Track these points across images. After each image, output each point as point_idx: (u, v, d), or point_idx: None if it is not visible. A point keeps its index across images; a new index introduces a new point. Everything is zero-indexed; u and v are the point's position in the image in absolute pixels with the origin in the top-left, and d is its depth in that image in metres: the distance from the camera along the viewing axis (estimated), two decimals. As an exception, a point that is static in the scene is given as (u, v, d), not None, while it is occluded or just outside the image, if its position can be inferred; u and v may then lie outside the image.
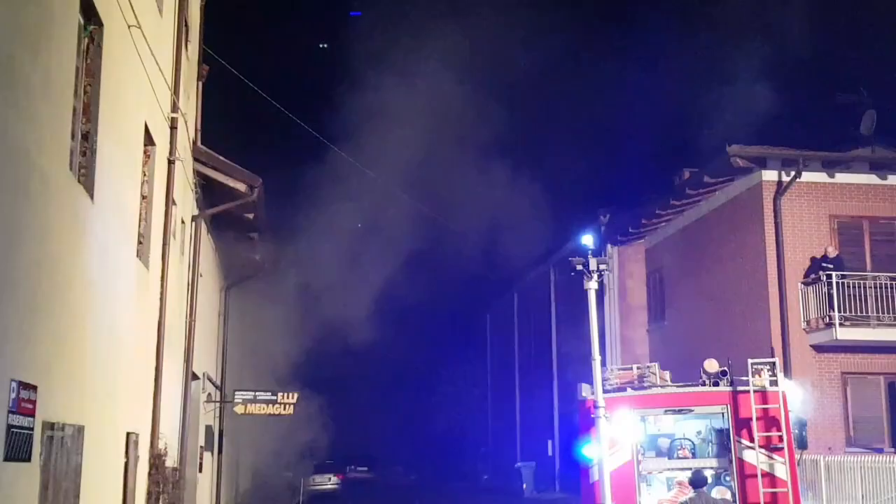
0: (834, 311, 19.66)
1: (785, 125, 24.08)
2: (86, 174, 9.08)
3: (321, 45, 41.06)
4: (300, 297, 29.26)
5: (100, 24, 9.37)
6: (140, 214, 12.16)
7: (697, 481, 11.73)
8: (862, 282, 20.09)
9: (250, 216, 18.53)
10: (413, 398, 59.28)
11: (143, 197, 12.43)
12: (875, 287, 20.11)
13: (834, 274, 19.85)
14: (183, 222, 15.83)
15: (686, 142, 31.73)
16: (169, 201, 13.55)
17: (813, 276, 20.39)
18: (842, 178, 21.44)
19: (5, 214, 6.80)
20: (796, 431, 12.79)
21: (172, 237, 13.93)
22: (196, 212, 16.99)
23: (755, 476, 12.17)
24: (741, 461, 12.35)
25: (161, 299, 13.26)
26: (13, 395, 6.78)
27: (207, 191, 17.25)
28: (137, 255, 11.90)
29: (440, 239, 31.75)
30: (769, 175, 21.15)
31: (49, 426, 7.64)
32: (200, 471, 18.81)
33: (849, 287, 19.87)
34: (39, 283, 7.60)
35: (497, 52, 28.41)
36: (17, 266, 7.09)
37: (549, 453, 34.53)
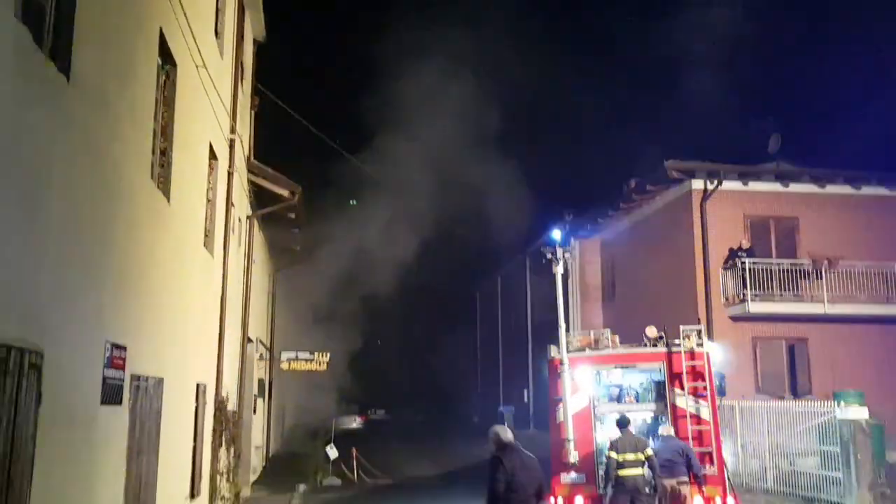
0: (746, 289, 19.71)
1: (710, 144, 24.13)
2: (164, 182, 9.07)
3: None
4: (332, 279, 29.33)
5: (174, 65, 9.35)
6: (206, 214, 12.14)
7: (621, 422, 11.62)
8: (768, 267, 20.13)
9: (292, 216, 18.52)
10: (420, 358, 59.40)
11: (209, 200, 12.42)
12: (779, 271, 20.16)
13: (747, 261, 19.91)
14: (240, 220, 15.81)
15: (633, 156, 31.80)
16: (229, 204, 13.53)
17: (730, 262, 20.43)
18: (754, 186, 21.45)
19: (101, 212, 6.81)
20: (717, 383, 12.77)
21: (232, 232, 13.91)
22: (250, 212, 16.96)
23: (685, 417, 12.16)
24: (674, 406, 12.34)
25: (223, 280, 13.26)
26: (108, 354, 6.80)
27: (258, 196, 17.23)
28: (204, 246, 11.89)
29: (440, 237, 31.86)
30: (697, 184, 21.15)
31: (136, 378, 7.65)
32: (255, 413, 18.85)
33: (758, 271, 19.93)
34: (128, 267, 7.61)
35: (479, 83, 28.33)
36: (111, 253, 7.10)
37: (525, 400, 34.57)
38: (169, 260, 9.34)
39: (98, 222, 6.71)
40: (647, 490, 11.03)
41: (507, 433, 8.06)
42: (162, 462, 8.54)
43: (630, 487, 10.93)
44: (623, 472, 11.01)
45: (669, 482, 11.04)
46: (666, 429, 11.86)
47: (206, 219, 12.06)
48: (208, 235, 12.21)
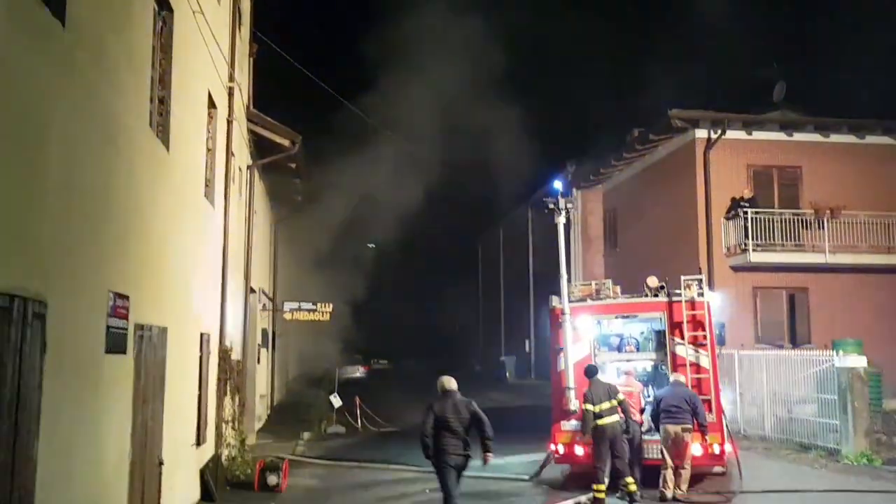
0: (748, 239, 19.72)
1: (714, 92, 23.86)
2: (162, 130, 8.98)
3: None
4: (334, 229, 29.29)
5: (170, 10, 9.18)
6: (206, 163, 12.05)
7: (589, 371, 11.68)
8: (770, 217, 20.10)
9: (293, 165, 18.41)
10: (422, 307, 59.72)
11: (208, 149, 12.31)
12: (781, 221, 20.14)
13: (749, 211, 19.86)
14: (240, 170, 15.71)
15: (636, 106, 31.48)
16: (228, 153, 13.43)
17: (733, 212, 20.38)
18: (757, 135, 21.32)
19: (101, 161, 6.76)
20: (717, 332, 12.86)
21: (232, 182, 13.83)
22: (250, 162, 16.86)
23: (685, 366, 12.27)
24: (674, 354, 12.44)
25: (224, 230, 13.22)
26: (111, 303, 6.82)
27: (259, 145, 17.10)
28: (205, 195, 11.83)
29: (442, 187, 31.66)
30: (700, 133, 21.00)
31: (139, 327, 7.69)
32: (259, 362, 19.02)
33: (760, 221, 19.91)
34: (129, 216, 7.58)
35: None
36: (112, 202, 7.07)
37: (526, 349, 34.87)
38: (170, 210, 9.30)
39: (97, 171, 6.66)
40: (623, 435, 11.21)
41: (449, 383, 9.66)
42: (167, 410, 8.62)
43: (609, 436, 11.09)
44: (602, 422, 11.14)
45: (673, 428, 11.18)
46: (676, 376, 11.94)
47: (205, 168, 11.97)
48: (208, 185, 12.14)
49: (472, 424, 9.30)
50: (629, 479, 10.99)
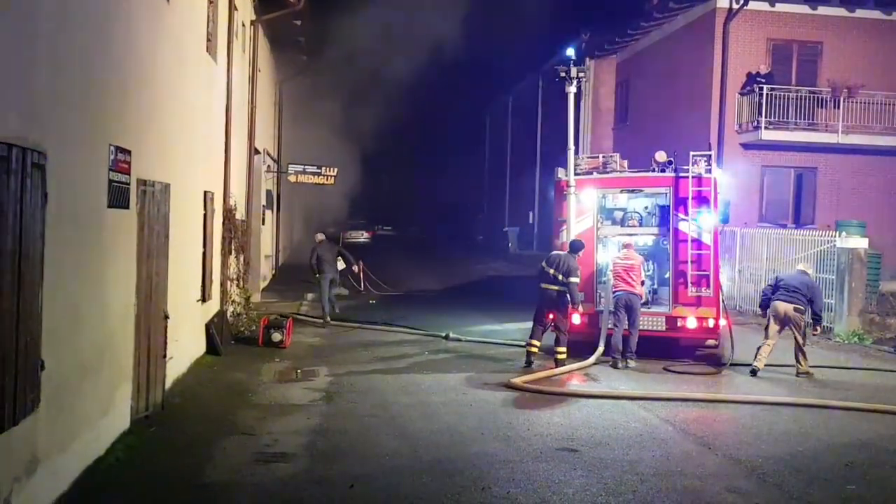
0: (762, 116, 19.33)
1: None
2: (162, -21, 8.61)
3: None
4: (340, 91, 28.75)
5: None
6: (208, 16, 11.63)
7: (574, 246, 11.81)
8: (786, 93, 19.62)
9: (298, 23, 17.84)
10: (427, 176, 59.59)
11: (210, 1, 11.85)
12: (796, 98, 19.68)
13: (765, 87, 19.37)
14: (243, 25, 15.22)
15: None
16: (231, 6, 12.96)
17: (748, 88, 19.89)
18: (780, 7, 20.46)
19: (98, 11, 6.51)
20: (722, 209, 12.82)
21: (235, 37, 13.43)
22: (254, 17, 16.31)
23: (686, 241, 12.30)
24: (677, 230, 12.44)
25: (227, 87, 12.95)
26: (112, 157, 6.75)
27: (263, 0, 16.50)
28: (207, 51, 11.51)
29: (451, 52, 30.73)
30: (722, 2, 20.19)
31: (142, 182, 7.65)
32: (263, 223, 19.13)
33: (775, 98, 19.46)
34: (129, 69, 7.38)
35: None
36: (109, 54, 6.86)
37: (530, 221, 34.99)
38: (170, 64, 9.06)
39: (93, 19, 6.42)
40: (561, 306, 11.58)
41: (319, 237, 16.62)
42: (172, 266, 8.72)
43: (546, 300, 11.53)
44: (544, 286, 11.52)
45: (784, 306, 11.30)
46: (805, 266, 12.32)
47: (207, 21, 11.57)
48: (210, 39, 11.77)
49: (340, 255, 16.83)
50: (560, 349, 11.47)
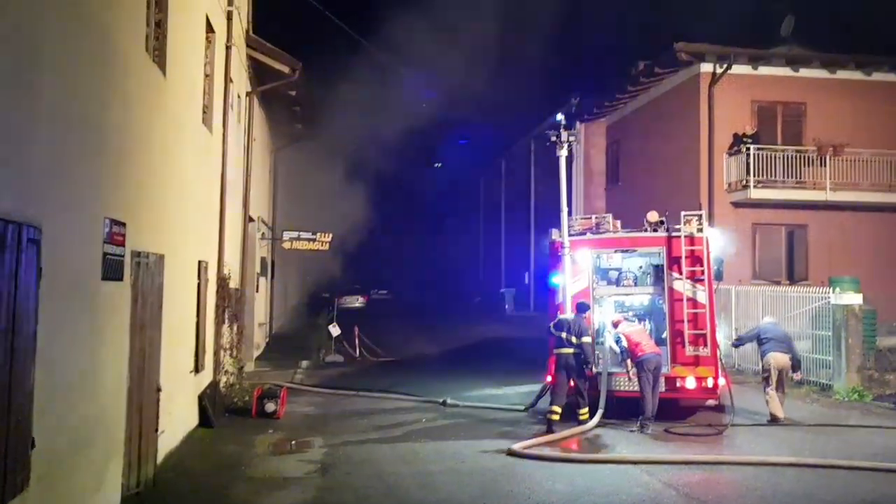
0: (750, 175, 19.58)
1: (721, 25, 23.32)
2: (159, 55, 8.76)
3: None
4: (335, 158, 29.01)
5: (166, -70, 8.84)
6: (204, 89, 11.82)
7: (581, 307, 12.16)
8: (773, 153, 19.93)
9: (293, 93, 18.12)
10: (423, 241, 59.75)
11: (206, 75, 12.06)
12: (783, 157, 19.98)
13: (752, 146, 19.67)
14: (239, 97, 15.44)
15: (641, 39, 30.83)
16: (227, 79, 13.15)
17: (735, 148, 20.19)
18: (763, 70, 20.96)
19: (96, 85, 6.60)
20: (715, 267, 12.84)
21: (231, 108, 13.60)
22: (249, 88, 16.56)
23: (682, 300, 12.29)
24: (672, 289, 12.45)
25: (223, 157, 13.06)
26: (106, 230, 6.75)
27: (258, 72, 16.77)
28: (203, 122, 11.65)
29: (446, 119, 31.17)
30: (706, 67, 20.64)
31: (136, 254, 7.63)
32: (257, 291, 19.07)
33: (762, 157, 19.76)
34: (125, 141, 7.45)
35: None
36: (107, 127, 6.93)
37: (526, 282, 35.01)
38: (167, 136, 9.15)
39: (92, 95, 6.50)
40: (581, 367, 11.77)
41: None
42: (166, 337, 8.64)
43: (563, 364, 11.70)
44: (560, 351, 11.73)
45: (783, 357, 12.23)
46: (770, 318, 13.32)
47: (203, 94, 11.75)
48: (206, 111, 11.93)
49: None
50: (582, 410, 11.51)
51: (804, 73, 21.03)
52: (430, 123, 30.09)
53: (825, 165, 19.91)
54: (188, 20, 10.26)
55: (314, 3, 18.05)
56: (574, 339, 11.61)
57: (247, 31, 16.08)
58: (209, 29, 12.05)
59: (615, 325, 12.24)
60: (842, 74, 21.11)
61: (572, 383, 11.66)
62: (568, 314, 12.17)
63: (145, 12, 8.15)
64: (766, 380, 12.18)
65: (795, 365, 12.42)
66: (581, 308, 12.09)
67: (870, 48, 21.32)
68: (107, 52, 6.83)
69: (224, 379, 13.17)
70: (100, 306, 6.64)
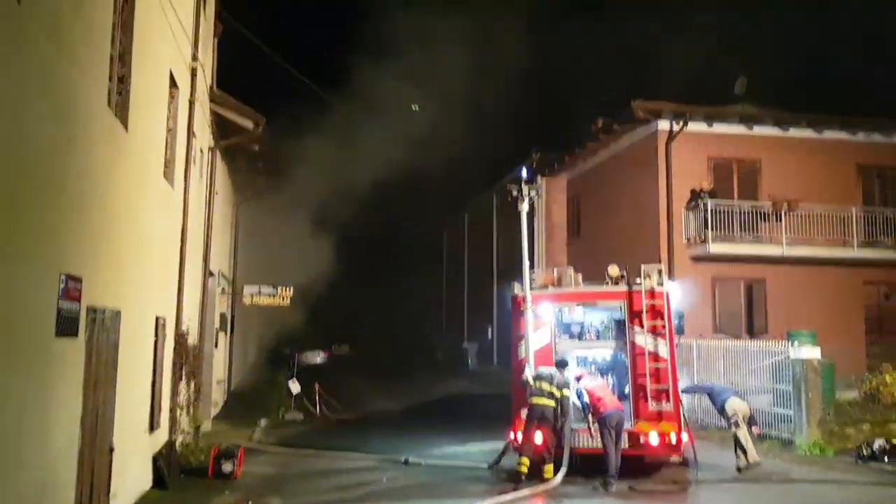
0: (708, 230, 19.96)
1: (677, 83, 24.08)
2: (121, 109, 8.74)
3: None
4: (297, 212, 28.95)
5: (130, -14, 8.92)
6: (166, 143, 11.78)
7: (560, 363, 12.28)
8: (730, 208, 20.35)
9: (256, 147, 18.15)
10: (385, 295, 59.44)
11: (169, 129, 12.03)
12: (740, 213, 20.42)
13: (709, 202, 20.10)
14: (202, 151, 15.41)
15: (602, 94, 31.62)
16: (190, 134, 13.14)
17: (693, 203, 20.60)
18: (718, 128, 21.54)
19: (56, 138, 6.56)
20: (676, 321, 12.97)
21: (193, 163, 13.56)
22: (212, 143, 16.55)
23: (643, 354, 12.35)
24: (633, 343, 12.51)
25: (184, 212, 12.95)
26: (62, 286, 6.62)
27: (221, 126, 16.78)
28: (164, 176, 11.58)
29: (407, 174, 31.40)
30: (663, 125, 21.15)
31: (92, 310, 7.49)
32: (216, 347, 18.76)
33: (720, 212, 20.17)
34: (84, 195, 7.37)
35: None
36: (65, 181, 6.86)
37: (489, 337, 34.94)
38: (127, 190, 9.08)
39: (50, 150, 6.44)
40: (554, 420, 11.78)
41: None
42: (120, 395, 8.43)
43: (537, 415, 11.65)
44: (534, 400, 11.72)
45: (745, 405, 12.63)
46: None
47: (165, 149, 11.70)
48: (168, 166, 11.87)
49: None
50: (547, 466, 11.47)
51: (758, 130, 21.67)
52: (393, 175, 30.26)
53: (780, 220, 20.41)
54: (152, 75, 10.28)
55: (278, 59, 18.22)
56: (555, 391, 11.57)
57: (210, 87, 16.15)
58: (173, 84, 12.08)
59: (577, 379, 12.25)
60: (794, 132, 21.80)
61: (541, 438, 11.53)
62: (542, 368, 12.12)
63: (108, 68, 8.15)
64: (736, 423, 12.23)
65: (752, 418, 12.58)
66: (561, 363, 12.18)
67: (822, 107, 22.08)
68: (67, 105, 6.80)
69: (180, 438, 12.84)
70: (52, 363, 6.48)
